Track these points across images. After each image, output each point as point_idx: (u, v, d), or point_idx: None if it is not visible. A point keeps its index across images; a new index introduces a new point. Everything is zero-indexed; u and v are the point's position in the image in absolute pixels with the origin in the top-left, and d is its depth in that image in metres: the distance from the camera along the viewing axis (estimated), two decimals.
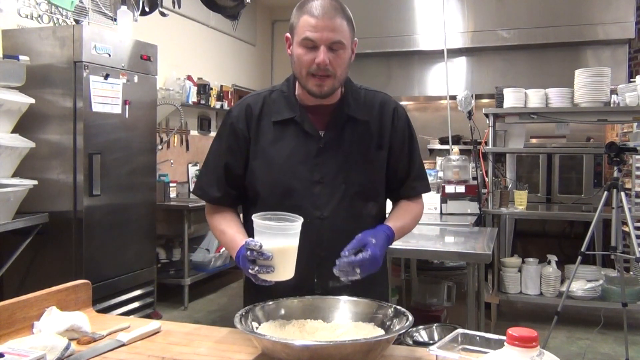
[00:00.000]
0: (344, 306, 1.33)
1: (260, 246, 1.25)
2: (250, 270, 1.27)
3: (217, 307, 4.93)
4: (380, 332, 1.22)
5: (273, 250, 1.25)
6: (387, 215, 1.61)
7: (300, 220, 1.28)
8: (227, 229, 1.50)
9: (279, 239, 1.26)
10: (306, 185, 1.45)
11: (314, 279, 1.46)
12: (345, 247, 1.32)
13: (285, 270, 1.28)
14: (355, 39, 1.46)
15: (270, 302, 1.31)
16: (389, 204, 1.65)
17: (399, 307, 1.27)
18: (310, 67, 1.38)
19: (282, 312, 1.30)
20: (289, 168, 1.46)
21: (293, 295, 1.39)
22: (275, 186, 1.47)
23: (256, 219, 1.28)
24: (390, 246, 1.69)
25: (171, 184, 5.11)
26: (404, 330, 1.15)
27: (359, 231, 1.41)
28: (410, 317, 1.19)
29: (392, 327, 1.23)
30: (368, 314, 1.29)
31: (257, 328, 1.22)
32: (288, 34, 1.45)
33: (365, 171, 1.49)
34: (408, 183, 1.57)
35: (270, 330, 1.20)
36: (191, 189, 5.75)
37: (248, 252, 1.26)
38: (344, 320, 1.30)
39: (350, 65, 1.45)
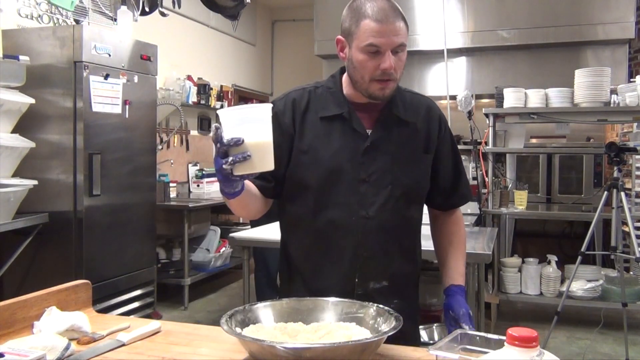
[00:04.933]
0: (324, 307, 1.29)
1: (217, 128, 1.16)
2: (224, 165, 1.16)
3: (217, 307, 4.93)
4: (364, 331, 1.20)
5: (244, 135, 1.16)
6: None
7: (270, 105, 1.19)
8: None
9: (249, 124, 1.16)
10: (352, 183, 1.42)
11: (355, 279, 1.44)
12: (446, 321, 1.42)
13: (263, 160, 1.18)
14: None
15: (251, 306, 1.26)
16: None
17: (381, 306, 1.24)
18: (374, 73, 1.35)
19: (262, 315, 1.26)
20: (335, 165, 1.42)
21: (334, 294, 1.36)
22: (319, 181, 1.43)
23: (221, 111, 1.19)
24: None
25: (171, 184, 5.11)
26: (395, 331, 1.12)
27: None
28: (399, 317, 1.16)
29: (376, 325, 1.20)
30: (349, 314, 1.26)
31: (240, 332, 1.19)
32: (341, 37, 1.41)
33: (411, 173, 1.46)
34: (459, 191, 1.58)
35: (252, 334, 1.16)
36: (191, 189, 5.75)
37: (218, 144, 1.16)
38: (325, 321, 1.26)
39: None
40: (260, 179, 1.40)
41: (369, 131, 1.44)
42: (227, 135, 1.16)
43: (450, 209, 1.61)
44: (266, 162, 1.19)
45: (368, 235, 1.43)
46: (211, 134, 1.18)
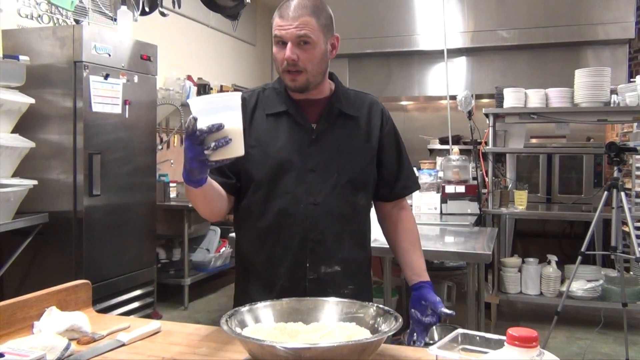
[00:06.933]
0: (324, 307, 1.29)
1: (195, 119, 1.18)
2: (206, 151, 1.19)
3: (217, 307, 4.93)
4: (364, 331, 1.20)
5: (220, 121, 1.19)
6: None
7: (240, 93, 1.24)
8: None
9: (223, 112, 1.20)
10: (300, 173, 1.48)
11: (307, 264, 1.48)
12: (415, 310, 1.48)
13: (239, 145, 1.22)
14: (336, 34, 1.51)
15: (251, 306, 1.26)
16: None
17: (381, 305, 1.24)
18: (283, 65, 1.45)
19: (262, 315, 1.25)
20: (282, 157, 1.49)
21: (287, 280, 1.45)
22: (269, 173, 1.49)
23: (192, 100, 1.21)
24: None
25: (171, 184, 5.10)
26: (394, 331, 1.11)
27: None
28: (399, 317, 1.16)
29: (376, 325, 1.20)
30: (349, 314, 1.26)
31: (240, 332, 1.17)
32: None
33: (355, 162, 1.53)
34: (401, 182, 1.63)
35: (252, 334, 1.15)
36: None
37: (197, 133, 1.18)
38: (324, 321, 1.26)
39: (327, 60, 1.49)
40: (222, 176, 1.48)
41: (314, 125, 1.51)
42: (201, 123, 1.19)
43: (396, 200, 1.65)
44: (240, 147, 1.23)
45: (317, 221, 1.48)
46: (187, 125, 1.21)
